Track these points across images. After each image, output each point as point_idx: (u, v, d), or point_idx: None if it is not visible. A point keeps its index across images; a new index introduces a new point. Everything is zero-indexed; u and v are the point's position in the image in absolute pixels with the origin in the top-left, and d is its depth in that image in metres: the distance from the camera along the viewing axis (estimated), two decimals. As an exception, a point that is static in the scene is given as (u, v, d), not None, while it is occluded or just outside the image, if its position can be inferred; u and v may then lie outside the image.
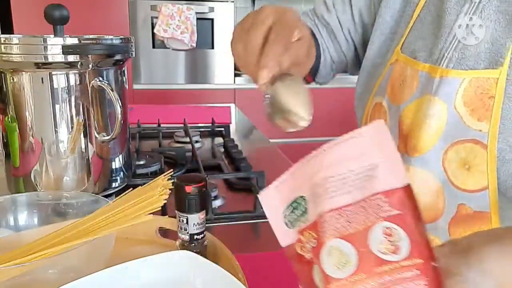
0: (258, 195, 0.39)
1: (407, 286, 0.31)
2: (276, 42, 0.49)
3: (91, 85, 0.77)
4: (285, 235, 0.37)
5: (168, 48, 2.66)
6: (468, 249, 0.34)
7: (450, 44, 0.59)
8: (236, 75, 2.84)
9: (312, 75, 0.81)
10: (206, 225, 0.58)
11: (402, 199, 0.33)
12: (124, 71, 0.85)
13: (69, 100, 0.76)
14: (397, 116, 0.64)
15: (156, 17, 2.59)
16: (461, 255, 0.34)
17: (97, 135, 0.80)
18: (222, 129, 1.36)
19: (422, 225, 0.33)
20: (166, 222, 0.65)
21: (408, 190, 0.33)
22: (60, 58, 0.73)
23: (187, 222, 0.56)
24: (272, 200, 0.38)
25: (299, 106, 0.48)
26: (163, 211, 0.68)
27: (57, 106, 0.76)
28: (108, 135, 0.80)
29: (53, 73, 0.75)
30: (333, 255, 0.33)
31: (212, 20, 2.73)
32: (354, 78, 1.02)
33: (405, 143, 0.62)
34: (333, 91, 2.76)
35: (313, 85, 0.85)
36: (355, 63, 0.83)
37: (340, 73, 0.87)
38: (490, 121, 0.55)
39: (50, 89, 0.75)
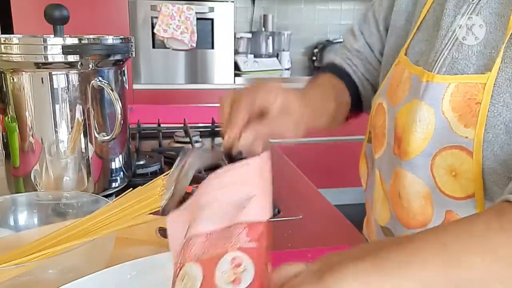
0: (166, 219, 0.39)
1: None
2: (239, 110, 0.50)
3: (91, 85, 0.77)
4: (175, 254, 0.38)
5: (168, 48, 2.66)
6: (330, 269, 0.34)
7: (446, 46, 0.58)
8: (236, 75, 2.84)
9: (356, 110, 0.81)
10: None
11: (261, 232, 0.34)
12: (124, 71, 0.85)
13: (69, 100, 0.76)
14: (394, 118, 0.64)
15: (156, 17, 2.59)
16: (320, 275, 0.34)
17: (97, 135, 0.80)
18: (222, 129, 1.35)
19: (269, 260, 0.34)
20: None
21: (267, 225, 0.34)
22: (60, 58, 0.73)
23: (187, 222, 0.56)
24: (179, 222, 0.39)
25: None
26: (163, 211, 0.68)
27: (57, 106, 0.76)
28: (108, 135, 0.80)
29: (53, 73, 0.75)
30: (185, 279, 0.34)
31: (212, 20, 2.72)
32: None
33: (398, 145, 0.62)
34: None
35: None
36: None
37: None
38: (476, 128, 0.53)
39: (50, 89, 0.75)
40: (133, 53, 0.84)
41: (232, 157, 0.48)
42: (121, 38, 0.80)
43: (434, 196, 0.58)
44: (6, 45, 0.72)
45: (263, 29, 3.20)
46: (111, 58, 0.79)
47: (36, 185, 0.80)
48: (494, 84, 0.53)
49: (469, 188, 0.55)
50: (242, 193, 0.36)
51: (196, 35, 2.65)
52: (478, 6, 0.56)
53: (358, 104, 0.80)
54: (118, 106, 0.77)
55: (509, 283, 0.36)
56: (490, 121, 0.52)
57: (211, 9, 2.70)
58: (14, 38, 0.73)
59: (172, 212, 0.39)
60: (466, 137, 0.54)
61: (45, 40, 0.73)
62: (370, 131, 0.73)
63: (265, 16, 3.20)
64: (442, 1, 0.61)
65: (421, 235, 0.39)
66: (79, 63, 0.75)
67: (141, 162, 1.00)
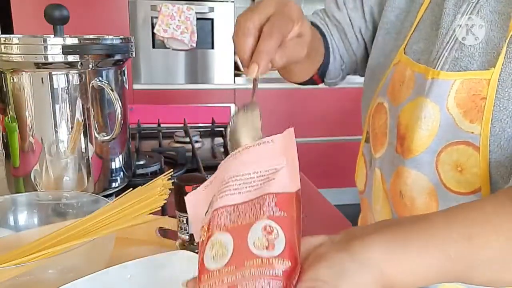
0: (185, 197, 0.40)
1: (267, 283, 0.31)
2: (272, 36, 0.49)
3: (91, 85, 0.77)
4: (197, 233, 0.38)
5: (168, 48, 2.66)
6: (355, 238, 0.36)
7: (446, 45, 0.59)
8: (236, 75, 2.84)
9: (320, 76, 0.80)
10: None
11: (290, 202, 0.34)
12: (124, 71, 0.85)
13: (69, 100, 0.76)
14: (396, 117, 0.64)
15: (156, 17, 2.59)
16: (346, 243, 0.35)
17: (97, 135, 0.80)
18: (222, 129, 1.35)
19: (300, 231, 0.34)
20: (166, 222, 0.65)
21: (297, 195, 0.35)
22: (60, 58, 0.73)
23: (187, 222, 0.56)
24: (199, 201, 0.39)
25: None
26: (163, 211, 0.68)
27: (57, 106, 0.76)
28: (108, 135, 0.80)
29: (53, 73, 0.75)
30: (215, 247, 0.34)
31: (212, 20, 2.73)
32: (354, 78, 1.02)
33: (401, 144, 0.62)
34: (333, 91, 2.76)
35: (313, 86, 0.85)
36: (365, 64, 0.83)
37: (350, 75, 0.86)
38: (482, 123, 0.54)
39: (50, 89, 0.75)
40: (133, 53, 0.84)
41: None
42: (121, 38, 0.80)
43: (439, 192, 0.59)
44: (6, 45, 0.72)
45: (263, 29, 3.19)
46: (111, 58, 0.79)
47: (36, 185, 0.80)
48: (499, 80, 0.54)
49: (476, 183, 0.56)
50: (268, 166, 0.37)
51: (196, 35, 2.66)
52: (478, 5, 0.57)
53: (324, 70, 0.80)
54: (118, 106, 0.77)
55: None
56: (496, 116, 0.54)
57: (211, 9, 2.70)
58: (14, 38, 0.73)
59: (191, 192, 0.39)
60: (472, 132, 0.55)
61: (45, 40, 0.73)
62: (367, 131, 0.73)
63: (265, 16, 3.20)
64: (440, 1, 0.62)
65: (438, 213, 0.41)
66: (79, 63, 0.75)
67: (141, 162, 1.00)
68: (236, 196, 0.36)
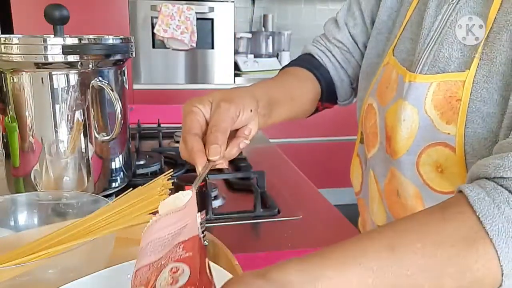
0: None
1: None
2: (217, 138, 0.49)
3: (91, 85, 0.77)
4: None
5: (168, 48, 2.66)
6: (273, 266, 0.35)
7: (427, 46, 0.59)
8: (236, 75, 2.84)
9: (327, 102, 0.80)
10: (206, 225, 0.58)
11: (195, 243, 0.37)
12: (124, 71, 0.85)
13: (69, 100, 0.76)
14: (384, 118, 0.64)
15: (156, 17, 2.59)
16: (264, 271, 0.35)
17: (97, 135, 0.80)
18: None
19: (206, 263, 0.37)
20: (166, 222, 0.65)
21: (199, 238, 0.38)
22: (60, 58, 0.73)
23: (187, 222, 0.56)
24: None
25: None
26: (163, 211, 0.68)
27: (57, 106, 0.76)
28: (108, 135, 0.80)
29: (53, 73, 0.75)
30: None
31: (212, 20, 2.73)
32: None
33: (389, 144, 0.63)
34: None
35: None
36: None
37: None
38: (457, 124, 0.55)
39: (50, 89, 0.75)
40: (133, 53, 0.84)
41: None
42: (121, 38, 0.80)
43: (424, 193, 0.59)
44: (6, 45, 0.72)
45: (263, 29, 3.20)
46: (111, 58, 0.79)
47: (36, 185, 0.80)
48: (473, 81, 0.54)
49: (457, 182, 0.56)
50: (179, 226, 0.40)
51: (196, 35, 2.65)
52: (458, 6, 0.57)
53: (332, 94, 0.80)
54: (118, 106, 0.77)
55: (460, 265, 0.37)
56: (469, 117, 0.54)
57: (211, 9, 2.70)
58: (14, 38, 0.73)
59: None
60: (448, 133, 0.56)
61: (45, 40, 0.73)
62: (361, 132, 0.74)
63: (265, 16, 3.21)
64: (426, 0, 0.62)
65: (368, 231, 0.41)
66: (79, 63, 0.75)
67: (141, 162, 1.00)
68: (152, 256, 0.39)
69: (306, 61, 0.79)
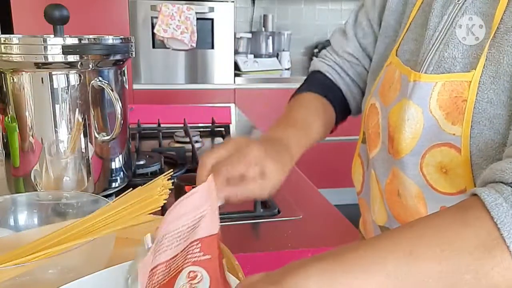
0: (138, 267, 0.42)
1: None
2: (218, 174, 0.51)
3: (91, 85, 0.77)
4: None
5: (168, 48, 2.66)
6: (290, 271, 0.35)
7: (432, 46, 0.59)
8: (236, 75, 2.84)
9: (344, 118, 0.81)
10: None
11: (213, 244, 0.37)
12: (124, 71, 0.85)
13: (69, 100, 0.76)
14: (387, 118, 0.64)
15: (156, 17, 2.59)
16: (280, 276, 0.35)
17: (97, 135, 0.80)
18: (222, 129, 1.35)
19: (223, 266, 0.36)
20: (166, 222, 0.65)
21: (218, 235, 0.38)
22: (60, 58, 0.73)
23: (187, 222, 0.56)
24: (145, 268, 0.41)
25: None
26: (163, 211, 0.68)
27: (57, 106, 0.76)
28: (108, 135, 0.80)
29: (53, 73, 0.75)
30: None
31: (212, 20, 2.72)
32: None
33: (392, 145, 0.63)
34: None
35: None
36: None
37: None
38: (463, 125, 0.54)
39: (50, 89, 0.75)
40: (133, 53, 0.84)
41: None
42: (121, 38, 0.80)
43: (426, 194, 0.59)
44: (6, 45, 0.72)
45: (263, 29, 3.20)
46: (111, 58, 0.79)
47: (36, 185, 0.80)
48: (479, 82, 0.53)
49: (460, 183, 0.56)
50: (194, 216, 0.40)
51: (196, 35, 2.65)
52: (464, 6, 0.57)
53: (345, 111, 0.80)
54: (118, 106, 0.77)
55: (477, 272, 0.37)
56: (475, 118, 0.53)
57: (211, 9, 2.70)
58: (14, 38, 0.73)
59: (143, 260, 0.42)
60: (454, 134, 0.55)
61: (45, 40, 0.73)
62: (364, 132, 0.74)
63: (265, 16, 3.21)
64: (431, 1, 0.62)
65: (386, 233, 0.40)
66: (79, 63, 0.75)
67: (141, 162, 1.00)
68: (168, 252, 0.38)
69: (317, 84, 0.78)
